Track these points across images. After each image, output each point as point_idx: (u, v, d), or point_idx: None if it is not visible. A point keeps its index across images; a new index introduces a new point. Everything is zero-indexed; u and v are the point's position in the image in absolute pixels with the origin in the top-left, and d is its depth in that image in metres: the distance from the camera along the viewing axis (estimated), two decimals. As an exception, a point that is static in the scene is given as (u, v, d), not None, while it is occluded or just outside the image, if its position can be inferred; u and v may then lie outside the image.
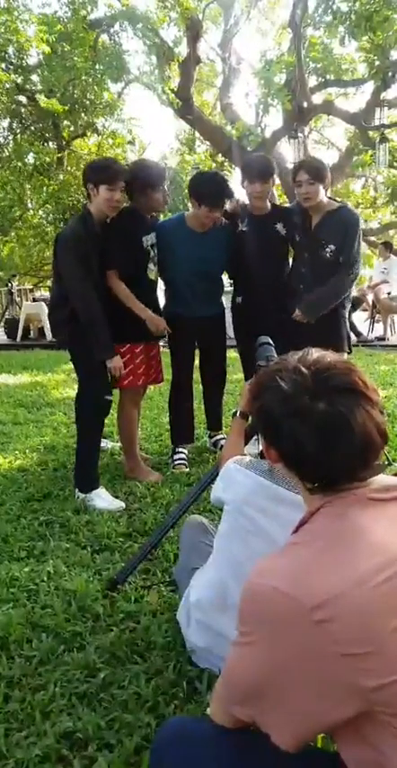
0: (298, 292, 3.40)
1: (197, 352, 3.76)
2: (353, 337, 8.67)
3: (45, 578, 2.32)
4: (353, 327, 8.87)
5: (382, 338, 9.55)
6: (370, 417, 0.97)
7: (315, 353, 1.05)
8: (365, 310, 10.14)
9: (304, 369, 1.01)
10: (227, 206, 3.68)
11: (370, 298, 9.78)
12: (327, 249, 3.25)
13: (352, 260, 3.27)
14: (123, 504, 3.02)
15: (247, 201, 3.51)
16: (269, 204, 3.48)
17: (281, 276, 3.55)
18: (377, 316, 9.88)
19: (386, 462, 1.03)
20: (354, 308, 8.82)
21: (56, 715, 1.61)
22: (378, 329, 9.89)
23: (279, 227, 3.45)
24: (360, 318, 10.00)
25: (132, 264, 3.17)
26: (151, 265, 3.31)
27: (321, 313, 3.30)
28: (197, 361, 3.76)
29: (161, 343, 3.56)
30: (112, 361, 3.07)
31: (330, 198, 3.37)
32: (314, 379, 0.99)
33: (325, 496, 0.99)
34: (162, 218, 3.73)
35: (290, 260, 3.66)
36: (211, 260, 3.40)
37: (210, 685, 1.64)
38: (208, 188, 3.22)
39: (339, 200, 3.52)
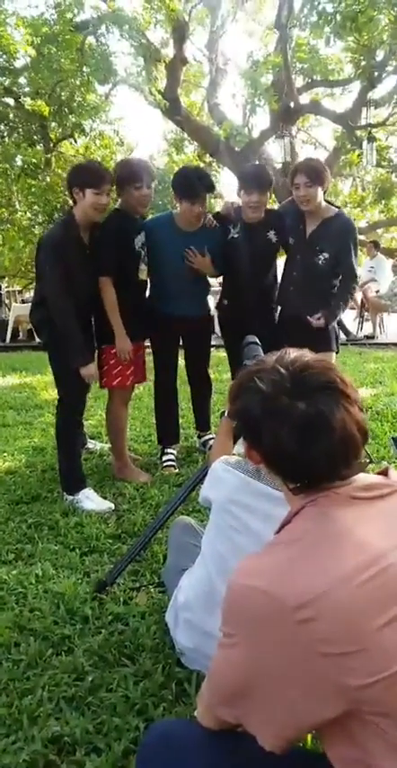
0: (288, 293, 3.40)
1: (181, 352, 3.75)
2: (342, 336, 8.76)
3: (33, 581, 2.30)
4: (342, 326, 8.90)
5: (371, 336, 9.59)
6: (350, 415, 0.97)
7: (293, 353, 1.04)
8: (353, 309, 10.18)
9: (282, 369, 1.00)
10: (220, 209, 3.67)
11: (358, 296, 9.81)
12: (320, 257, 3.24)
13: (353, 269, 3.29)
14: (112, 505, 3.01)
15: (241, 204, 3.47)
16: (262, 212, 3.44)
17: (269, 279, 3.54)
18: (366, 314, 9.92)
19: (367, 460, 1.03)
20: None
21: (44, 720, 1.60)
22: (367, 328, 9.93)
23: (271, 234, 3.42)
24: (349, 317, 10.03)
25: (124, 266, 3.16)
26: (142, 266, 3.31)
27: (335, 319, 3.36)
28: (181, 361, 3.75)
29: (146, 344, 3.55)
30: (86, 368, 3.00)
31: (327, 201, 3.34)
32: (293, 378, 0.99)
33: (308, 496, 0.99)
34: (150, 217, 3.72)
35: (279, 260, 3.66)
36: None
37: (199, 687, 1.62)
38: (186, 182, 3.21)
39: (335, 205, 3.50)
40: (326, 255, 3.23)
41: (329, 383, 0.98)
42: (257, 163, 3.73)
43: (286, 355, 1.04)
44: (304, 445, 0.95)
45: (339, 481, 0.98)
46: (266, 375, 1.01)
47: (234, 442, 2.01)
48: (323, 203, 3.27)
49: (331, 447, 0.95)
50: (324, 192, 3.26)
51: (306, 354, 1.04)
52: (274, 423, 0.97)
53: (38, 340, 10.12)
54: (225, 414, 2.02)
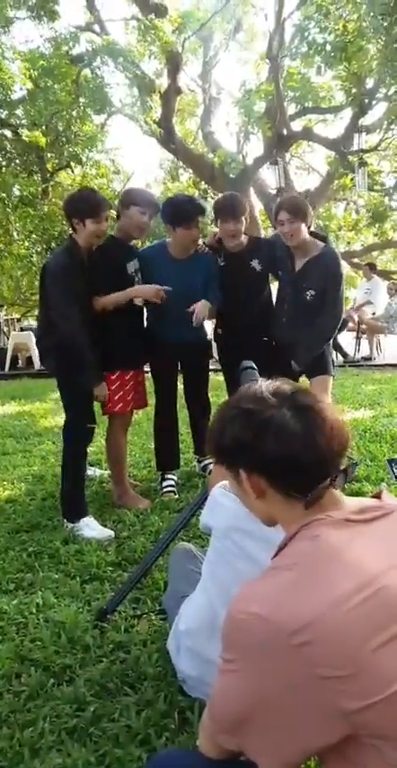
0: (281, 325, 3.44)
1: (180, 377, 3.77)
2: (339, 358, 8.79)
3: (34, 610, 2.29)
4: (339, 348, 8.96)
5: (368, 358, 9.62)
6: (328, 406, 1.05)
7: (257, 382, 1.12)
8: (351, 331, 10.22)
9: (258, 389, 1.07)
10: (206, 239, 3.73)
11: (355, 318, 9.86)
12: (308, 293, 3.30)
13: (336, 304, 3.33)
14: (112, 534, 2.99)
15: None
16: (244, 240, 3.48)
17: (259, 306, 3.57)
18: (363, 336, 9.96)
19: (353, 462, 1.08)
20: (340, 330, 8.90)
21: (45, 752, 1.58)
22: (364, 349, 9.96)
23: (255, 263, 3.47)
24: (346, 339, 10.08)
25: (119, 290, 3.20)
26: None
27: (311, 355, 3.36)
28: (180, 386, 3.77)
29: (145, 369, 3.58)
30: (99, 388, 3.10)
31: (312, 233, 3.37)
32: (272, 393, 1.05)
33: (304, 519, 1.00)
34: (146, 244, 3.78)
35: (272, 286, 3.70)
36: (194, 286, 3.40)
37: (201, 715, 1.62)
38: (178, 209, 3.29)
39: (322, 234, 3.55)
40: (312, 292, 3.29)
41: (303, 390, 1.07)
42: (230, 192, 3.85)
43: (257, 384, 1.11)
44: (307, 441, 0.99)
45: (333, 489, 1.02)
46: (246, 399, 1.07)
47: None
48: (309, 238, 3.31)
49: (329, 436, 1.00)
50: (308, 227, 3.31)
51: (272, 380, 1.12)
52: (272, 433, 1.00)
53: (37, 367, 10.03)
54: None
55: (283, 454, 0.99)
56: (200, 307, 3.31)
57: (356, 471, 1.10)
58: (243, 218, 3.40)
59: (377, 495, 1.09)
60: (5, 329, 13.20)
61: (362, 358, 9.66)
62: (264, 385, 1.08)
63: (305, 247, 3.30)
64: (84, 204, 2.99)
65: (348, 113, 11.10)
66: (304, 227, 3.25)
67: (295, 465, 1.00)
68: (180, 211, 3.27)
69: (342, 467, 1.04)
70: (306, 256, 3.32)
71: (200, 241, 3.48)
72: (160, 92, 10.67)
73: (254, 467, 1.05)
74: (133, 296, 3.24)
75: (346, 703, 0.83)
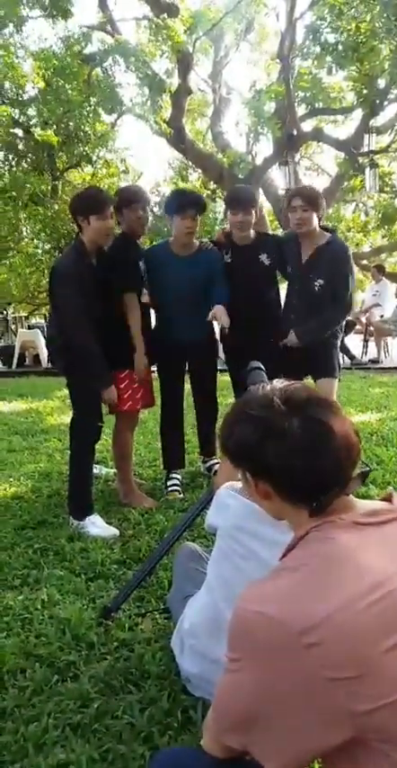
0: (290, 321, 3.43)
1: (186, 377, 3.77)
2: (346, 360, 8.74)
3: (39, 607, 2.30)
4: (346, 350, 8.92)
5: (375, 361, 9.58)
6: (341, 419, 1.02)
7: (270, 383, 1.09)
8: (358, 333, 10.19)
9: (269, 393, 1.05)
10: (215, 236, 3.74)
11: (363, 320, 9.83)
12: (316, 283, 3.28)
13: (345, 294, 3.31)
14: (117, 532, 3.00)
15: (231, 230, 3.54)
16: (252, 233, 3.47)
17: (266, 304, 3.57)
18: (370, 338, 9.93)
19: (366, 468, 1.07)
20: (347, 332, 8.89)
21: (49, 747, 1.59)
22: (372, 352, 9.93)
23: (263, 257, 3.46)
24: (354, 341, 10.05)
25: (137, 285, 3.25)
26: (145, 290, 3.37)
27: (312, 339, 3.34)
28: (188, 386, 3.77)
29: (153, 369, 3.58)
30: (108, 392, 3.10)
31: (321, 227, 3.37)
32: (281, 397, 1.03)
33: (314, 520, 1.00)
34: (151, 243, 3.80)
35: (280, 286, 3.70)
36: (197, 283, 3.39)
37: (205, 715, 1.62)
38: (171, 198, 3.38)
39: (329, 227, 3.56)
40: (321, 282, 3.27)
41: (315, 395, 1.05)
42: (242, 184, 3.85)
43: (266, 385, 1.09)
44: (312, 455, 0.98)
45: (345, 496, 1.01)
46: (255, 403, 1.05)
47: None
48: (318, 229, 3.31)
49: (336, 450, 0.98)
50: (319, 220, 3.30)
51: (279, 381, 1.10)
52: (276, 443, 0.99)
53: (44, 365, 10.09)
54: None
55: (287, 466, 0.99)
56: (220, 312, 3.27)
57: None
58: (254, 211, 3.41)
59: (388, 498, 1.09)
60: (13, 327, 13.25)
61: (369, 360, 9.62)
62: (277, 389, 1.06)
63: (314, 237, 3.30)
64: (88, 201, 3.01)
65: (358, 114, 11.09)
66: (315, 217, 3.25)
67: (298, 477, 1.00)
68: (174, 200, 3.34)
69: (356, 472, 1.03)
70: (313, 247, 3.31)
71: (204, 239, 3.48)
72: (170, 91, 10.68)
73: (258, 472, 1.05)
74: (137, 351, 3.24)
75: (353, 705, 0.83)
